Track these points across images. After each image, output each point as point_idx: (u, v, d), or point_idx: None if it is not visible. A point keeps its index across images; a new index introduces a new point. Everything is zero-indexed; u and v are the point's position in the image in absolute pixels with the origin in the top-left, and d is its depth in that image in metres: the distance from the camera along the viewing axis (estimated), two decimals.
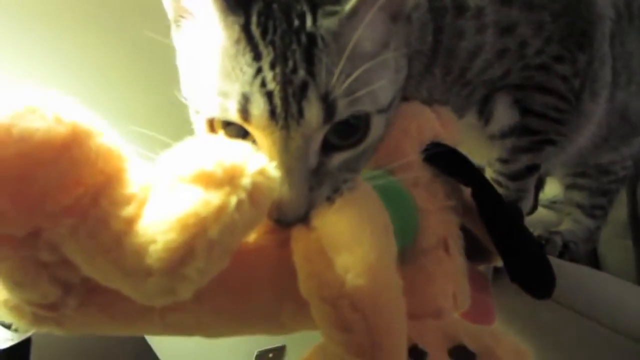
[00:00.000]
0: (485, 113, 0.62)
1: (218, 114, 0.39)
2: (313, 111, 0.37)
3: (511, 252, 0.52)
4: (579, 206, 0.84)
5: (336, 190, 0.41)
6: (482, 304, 0.56)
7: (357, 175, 0.43)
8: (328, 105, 0.37)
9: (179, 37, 0.43)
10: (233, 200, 0.31)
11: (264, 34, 0.38)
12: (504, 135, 0.64)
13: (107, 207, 0.32)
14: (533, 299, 0.53)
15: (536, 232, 0.79)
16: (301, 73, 0.37)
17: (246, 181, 0.32)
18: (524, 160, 0.66)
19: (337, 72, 0.37)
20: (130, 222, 0.31)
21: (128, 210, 0.32)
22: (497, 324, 0.68)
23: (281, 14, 0.38)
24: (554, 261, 0.74)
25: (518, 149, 0.65)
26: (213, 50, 0.39)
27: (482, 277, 0.57)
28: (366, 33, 0.39)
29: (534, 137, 0.65)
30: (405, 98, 0.55)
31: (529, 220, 1.02)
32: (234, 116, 0.38)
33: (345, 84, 0.37)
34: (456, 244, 0.53)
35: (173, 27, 0.44)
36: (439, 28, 0.53)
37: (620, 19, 0.66)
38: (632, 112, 0.73)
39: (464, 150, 0.75)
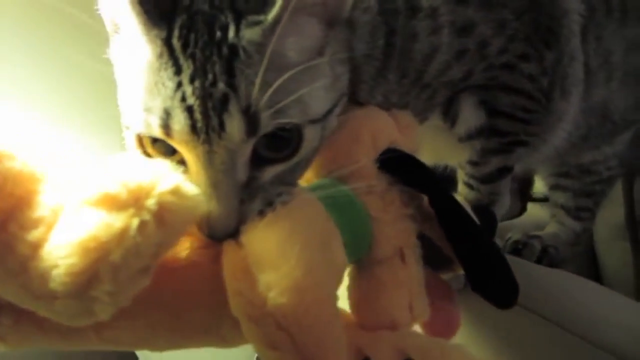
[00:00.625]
0: (450, 115, 0.60)
1: (143, 130, 0.38)
2: (235, 124, 0.36)
3: (471, 261, 0.51)
4: (564, 208, 0.81)
5: (269, 204, 0.40)
6: (445, 314, 0.54)
7: (292, 188, 0.42)
8: (250, 118, 0.36)
9: (112, 52, 0.43)
10: (135, 222, 0.30)
11: (184, 47, 0.37)
12: (471, 136, 0.62)
13: (15, 231, 0.32)
14: None
15: (515, 236, 0.77)
16: (221, 86, 0.36)
17: (151, 202, 0.31)
18: (495, 162, 0.64)
19: (258, 83, 0.36)
20: (36, 246, 0.31)
21: (34, 234, 0.31)
22: (468, 329, 0.67)
23: (204, 26, 0.37)
24: (529, 266, 0.72)
25: (488, 151, 0.63)
26: (139, 65, 0.39)
27: (445, 286, 0.55)
28: (291, 42, 0.38)
29: (502, 138, 0.62)
30: (359, 103, 0.54)
31: (518, 221, 1.00)
32: (157, 132, 0.37)
33: (266, 96, 0.36)
34: (413, 254, 0.51)
35: (110, 41, 0.44)
36: (391, 31, 0.51)
37: (594, 13, 0.63)
38: (613, 109, 0.70)
39: (433, 153, 0.74)
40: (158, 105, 0.37)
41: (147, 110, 0.37)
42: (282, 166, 0.40)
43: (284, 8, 0.37)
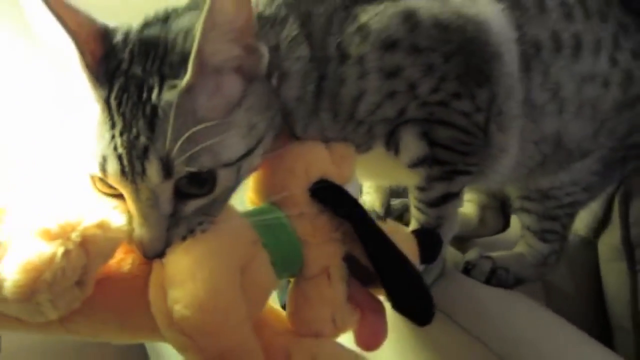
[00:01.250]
0: (392, 145, 0.66)
1: (91, 171, 0.48)
2: (153, 170, 0.45)
3: (390, 282, 0.57)
4: (530, 229, 0.83)
5: (192, 231, 0.48)
6: (372, 326, 0.61)
7: (212, 218, 0.50)
8: (165, 165, 0.45)
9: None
10: (61, 250, 0.40)
11: (118, 105, 0.46)
12: (415, 164, 0.67)
13: None
14: None
15: (468, 256, 0.81)
16: (142, 139, 0.45)
17: (75, 235, 0.41)
18: (439, 188, 0.69)
19: (169, 136, 0.44)
20: None
21: None
22: (401, 340, 0.73)
23: (134, 88, 0.46)
24: (475, 286, 0.77)
25: (432, 178, 0.68)
26: (94, 116, 0.48)
27: (374, 300, 0.62)
28: (203, 101, 0.46)
29: (443, 167, 0.67)
30: (298, 138, 0.61)
31: (499, 237, 1.03)
32: (98, 173, 0.47)
33: (178, 147, 0.44)
34: (338, 273, 0.58)
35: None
36: (322, 76, 0.57)
37: (540, 51, 0.66)
38: (568, 140, 0.72)
39: (386, 175, 0.80)
40: (99, 151, 0.46)
41: (93, 155, 0.47)
42: (202, 201, 0.48)
43: (196, 74, 0.45)
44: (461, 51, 0.60)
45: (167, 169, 0.45)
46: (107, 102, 0.46)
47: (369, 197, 0.94)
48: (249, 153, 0.50)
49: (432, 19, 0.59)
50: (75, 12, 0.47)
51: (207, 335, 0.45)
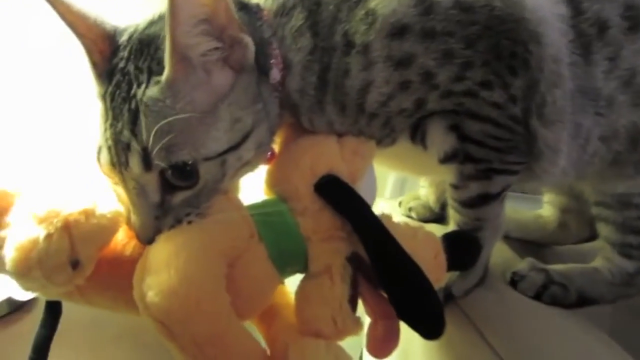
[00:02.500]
0: (417, 139, 0.60)
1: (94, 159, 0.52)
2: (134, 162, 0.47)
3: (394, 289, 0.53)
4: (608, 241, 0.70)
5: (179, 221, 0.50)
6: (383, 332, 0.57)
7: (198, 210, 0.51)
8: (145, 157, 0.46)
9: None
10: (42, 233, 0.44)
11: (111, 101, 0.49)
12: (444, 160, 0.61)
13: None
14: None
15: (520, 265, 0.71)
16: (125, 132, 0.47)
17: (57, 220, 0.45)
18: (474, 188, 0.61)
19: (151, 130, 0.46)
20: (3, 240, 0.48)
21: (4, 232, 0.48)
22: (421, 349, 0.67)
23: (125, 84, 0.49)
24: (514, 296, 0.67)
25: (466, 176, 0.61)
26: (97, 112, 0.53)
27: (387, 305, 0.58)
28: (184, 96, 0.47)
29: (477, 165, 0.60)
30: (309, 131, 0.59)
31: (585, 247, 0.88)
32: (96, 162, 0.51)
33: (156, 140, 0.45)
34: (340, 273, 0.56)
35: None
36: (326, 67, 0.55)
37: (603, 32, 0.55)
38: None
39: (415, 172, 0.72)
40: (96, 143, 0.50)
41: (95, 145, 0.51)
42: (188, 192, 0.50)
43: (177, 68, 0.46)
44: (488, 33, 0.53)
45: (146, 161, 0.47)
46: (103, 98, 0.50)
47: (425, 190, 0.88)
48: (234, 147, 0.50)
49: None
50: (84, 16, 0.51)
51: (178, 322, 0.46)
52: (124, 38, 0.52)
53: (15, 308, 0.86)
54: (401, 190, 1.09)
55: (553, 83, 0.55)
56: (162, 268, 0.47)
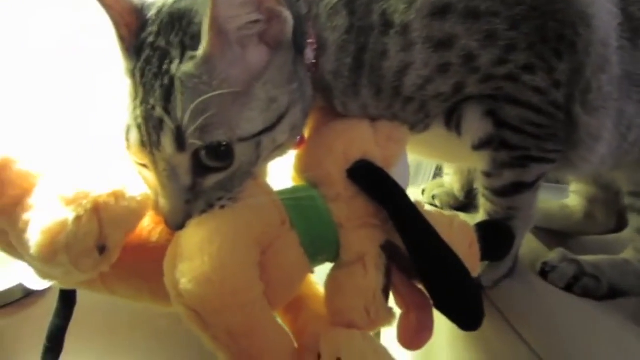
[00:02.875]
0: (452, 124, 0.58)
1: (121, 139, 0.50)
2: (167, 141, 0.44)
3: (432, 279, 0.51)
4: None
5: (211, 206, 0.48)
6: (416, 323, 0.55)
7: (233, 194, 0.49)
8: (179, 137, 0.44)
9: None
10: (71, 216, 0.42)
11: (141, 77, 0.46)
12: (479, 146, 0.58)
13: (19, 212, 0.46)
14: None
15: (551, 256, 0.69)
16: (158, 110, 0.44)
17: (86, 202, 0.43)
18: (508, 176, 0.59)
19: (186, 108, 0.44)
20: (27, 223, 0.45)
21: (27, 215, 0.46)
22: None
23: (156, 60, 0.46)
24: (544, 287, 0.65)
25: (500, 164, 0.59)
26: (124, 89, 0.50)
27: (420, 295, 0.56)
28: (220, 72, 0.45)
29: (513, 152, 0.57)
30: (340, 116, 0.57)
31: (610, 238, 0.86)
32: (124, 144, 0.48)
33: (192, 119, 0.43)
34: (374, 262, 0.54)
35: None
36: (361, 48, 0.52)
37: None
38: None
39: (446, 159, 0.70)
40: (125, 122, 0.48)
41: (123, 124, 0.48)
42: (221, 175, 0.47)
43: (214, 43, 0.44)
44: (535, 14, 0.50)
45: (180, 141, 0.45)
46: (132, 74, 0.47)
47: (449, 178, 0.86)
48: (269, 129, 0.48)
49: None
50: None
51: (213, 312, 0.44)
52: (152, 12, 0.50)
53: (29, 293, 0.85)
54: (415, 177, 1.06)
55: (600, 68, 0.53)
56: (195, 254, 0.45)
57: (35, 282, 0.66)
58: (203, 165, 0.47)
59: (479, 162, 0.62)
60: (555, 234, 0.86)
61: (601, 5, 0.52)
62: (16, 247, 0.48)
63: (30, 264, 0.47)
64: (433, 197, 0.87)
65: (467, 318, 0.51)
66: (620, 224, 0.84)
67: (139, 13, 0.50)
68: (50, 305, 0.58)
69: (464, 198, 0.84)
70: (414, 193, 0.92)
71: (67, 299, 0.58)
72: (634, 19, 0.53)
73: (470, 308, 0.51)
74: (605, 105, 0.55)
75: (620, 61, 0.54)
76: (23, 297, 0.86)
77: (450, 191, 0.85)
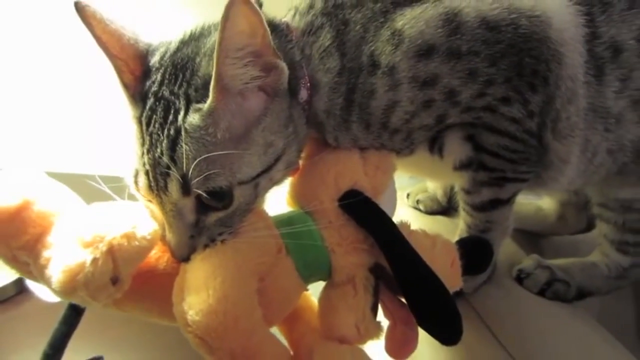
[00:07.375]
0: (435, 149, 0.63)
1: (128, 182, 0.53)
2: (173, 188, 0.49)
3: (415, 298, 0.57)
4: (607, 239, 0.74)
5: (213, 240, 0.52)
6: (402, 336, 0.61)
7: (232, 229, 0.53)
8: (184, 183, 0.48)
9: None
10: (89, 258, 0.47)
11: (147, 125, 0.50)
12: (458, 167, 0.63)
13: (39, 248, 0.50)
14: None
15: (524, 263, 0.75)
16: (165, 159, 0.48)
17: (102, 245, 0.47)
18: (485, 193, 0.65)
19: (191, 157, 0.47)
20: (48, 259, 0.50)
21: (48, 253, 0.50)
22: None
23: (162, 110, 0.49)
24: (519, 292, 0.71)
25: (479, 183, 0.64)
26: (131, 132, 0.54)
27: (405, 310, 0.61)
28: (224, 124, 0.48)
29: (490, 173, 0.63)
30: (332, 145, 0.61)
31: (579, 238, 0.93)
32: (132, 185, 0.52)
33: (197, 167, 0.47)
34: (363, 283, 0.59)
35: None
36: (352, 88, 0.56)
37: (618, 54, 0.57)
38: None
39: (429, 177, 0.74)
40: (133, 166, 0.51)
41: (130, 168, 0.52)
42: (221, 213, 0.51)
43: (218, 98, 0.47)
44: (512, 51, 0.55)
45: (185, 187, 0.48)
46: (139, 121, 0.51)
47: (432, 184, 0.91)
48: (266, 170, 0.52)
49: (478, 17, 0.54)
50: (119, 36, 0.51)
51: (217, 338, 0.49)
52: (155, 59, 0.53)
53: (23, 289, 0.87)
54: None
55: (568, 100, 0.58)
56: (201, 288, 0.50)
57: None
58: (205, 205, 0.51)
59: (460, 180, 0.67)
60: (531, 236, 0.93)
61: (572, 45, 0.56)
62: (37, 278, 0.53)
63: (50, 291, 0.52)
64: (417, 202, 0.92)
65: (446, 334, 0.57)
66: (590, 225, 0.91)
67: (144, 59, 0.53)
68: (45, 301, 0.60)
69: (447, 203, 0.89)
70: (399, 197, 0.97)
71: (77, 306, 0.59)
72: (598, 58, 0.58)
73: (448, 325, 0.56)
74: (572, 134, 0.60)
75: (586, 95, 0.59)
76: (17, 293, 0.88)
77: (433, 196, 0.91)
